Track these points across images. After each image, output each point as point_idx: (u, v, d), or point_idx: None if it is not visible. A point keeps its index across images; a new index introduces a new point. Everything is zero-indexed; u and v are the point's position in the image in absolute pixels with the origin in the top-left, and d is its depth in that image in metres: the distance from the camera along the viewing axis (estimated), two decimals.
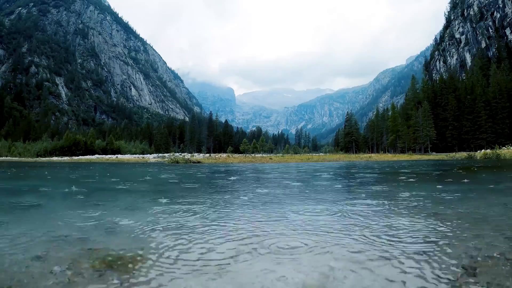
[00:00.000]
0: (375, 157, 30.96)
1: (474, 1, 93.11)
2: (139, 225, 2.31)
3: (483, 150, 25.72)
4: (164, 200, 3.70)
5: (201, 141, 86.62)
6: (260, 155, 47.31)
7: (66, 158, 39.38)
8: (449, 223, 2.28)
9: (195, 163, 20.33)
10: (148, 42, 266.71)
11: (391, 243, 1.77)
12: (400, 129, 57.41)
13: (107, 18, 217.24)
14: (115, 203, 3.50)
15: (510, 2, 79.01)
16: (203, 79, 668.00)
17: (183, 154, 43.58)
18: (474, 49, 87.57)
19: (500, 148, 27.04)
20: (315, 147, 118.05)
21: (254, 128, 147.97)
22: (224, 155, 41.38)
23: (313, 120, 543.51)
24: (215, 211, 2.94)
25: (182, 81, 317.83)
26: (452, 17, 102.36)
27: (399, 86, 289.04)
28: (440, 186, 4.99)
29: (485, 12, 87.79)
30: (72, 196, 4.44)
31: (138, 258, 1.53)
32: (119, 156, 42.93)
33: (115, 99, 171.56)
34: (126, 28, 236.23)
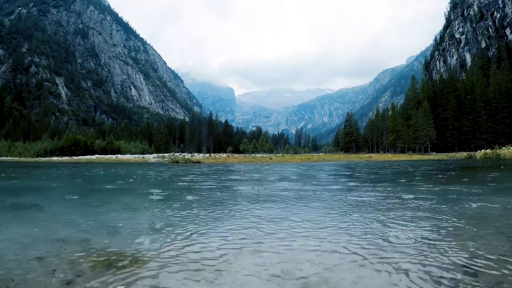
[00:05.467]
0: (375, 157, 30.96)
1: (474, 1, 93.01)
2: (139, 225, 2.31)
3: (483, 150, 25.69)
4: (164, 200, 3.70)
5: (201, 141, 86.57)
6: (260, 155, 47.30)
7: (66, 158, 39.37)
8: (449, 223, 2.28)
9: (195, 163, 20.33)
10: (148, 42, 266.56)
11: (391, 242, 1.76)
12: (400, 129, 57.38)
13: (107, 18, 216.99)
14: (115, 204, 3.49)
15: (510, 2, 78.94)
16: (203, 79, 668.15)
17: (183, 154, 43.57)
18: (474, 49, 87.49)
19: (500, 148, 27.02)
20: (315, 147, 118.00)
21: (254, 128, 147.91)
22: (224, 155, 41.36)
23: (313, 120, 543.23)
24: (216, 211, 2.94)
25: (182, 81, 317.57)
26: (452, 17, 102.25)
27: (399, 86, 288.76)
28: (440, 186, 4.99)
29: (485, 12, 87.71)
30: (72, 196, 4.44)
31: (138, 258, 1.53)
32: (119, 156, 42.91)
33: (115, 99, 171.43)
34: (126, 28, 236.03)
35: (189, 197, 4.04)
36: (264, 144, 75.88)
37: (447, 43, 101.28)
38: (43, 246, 1.75)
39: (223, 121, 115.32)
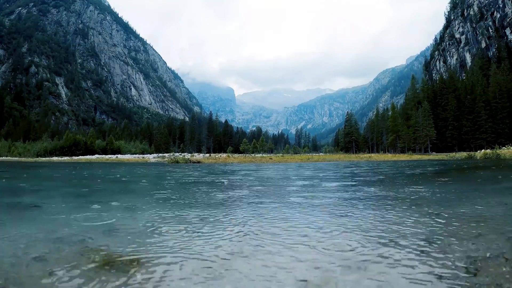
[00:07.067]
0: (375, 157, 30.97)
1: (474, 1, 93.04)
2: (139, 225, 2.31)
3: (483, 150, 25.67)
4: (164, 201, 3.70)
5: (201, 141, 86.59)
6: (260, 155, 47.29)
7: (66, 158, 39.38)
8: (449, 223, 2.27)
9: (195, 163, 20.34)
10: (148, 42, 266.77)
11: (390, 242, 1.76)
12: (400, 129, 57.42)
13: (107, 18, 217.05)
14: (115, 204, 3.49)
15: (510, 2, 78.96)
16: (203, 79, 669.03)
17: (183, 154, 43.60)
18: (474, 49, 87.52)
19: (500, 148, 27.00)
20: (315, 147, 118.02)
21: (254, 128, 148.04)
22: (224, 155, 41.36)
23: (313, 120, 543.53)
24: (216, 211, 2.94)
25: (182, 81, 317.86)
26: (452, 17, 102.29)
27: (399, 86, 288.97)
28: (439, 186, 4.99)
29: (485, 12, 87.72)
30: (72, 196, 4.45)
31: (138, 258, 1.53)
32: (119, 156, 42.94)
33: (115, 99, 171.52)
34: (126, 28, 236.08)
35: (189, 197, 4.04)
36: (264, 144, 75.96)
37: (447, 43, 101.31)
38: (42, 246, 1.75)
39: (223, 121, 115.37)
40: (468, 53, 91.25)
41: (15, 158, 47.79)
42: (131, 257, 1.53)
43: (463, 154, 29.75)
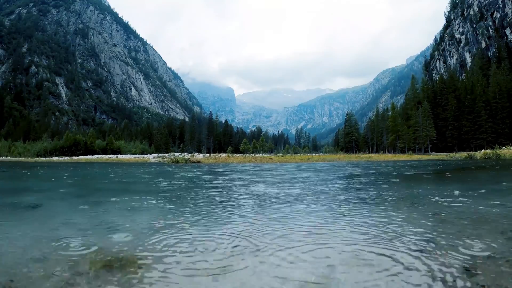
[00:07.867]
0: (375, 157, 30.95)
1: (474, 1, 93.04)
2: (139, 225, 2.30)
3: (483, 150, 25.67)
4: (164, 201, 3.70)
5: (201, 141, 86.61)
6: (260, 155, 47.29)
7: (66, 158, 39.41)
8: (449, 223, 2.27)
9: (195, 163, 20.34)
10: (148, 42, 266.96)
11: (391, 242, 1.76)
12: (400, 129, 57.43)
13: (107, 18, 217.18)
14: (115, 204, 3.49)
15: (510, 2, 78.96)
16: (203, 79, 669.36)
17: (183, 154, 43.62)
18: (474, 49, 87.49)
19: (500, 148, 27.01)
20: (315, 147, 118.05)
21: (254, 128, 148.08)
22: (224, 155, 41.38)
23: (313, 120, 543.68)
24: (217, 212, 2.94)
25: (182, 81, 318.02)
26: (452, 17, 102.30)
27: (399, 86, 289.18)
28: (439, 186, 4.99)
29: (485, 12, 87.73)
30: (72, 196, 4.45)
31: (138, 258, 1.53)
32: (119, 156, 42.97)
33: (115, 99, 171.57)
34: (126, 28, 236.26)
35: (190, 198, 4.04)
36: (264, 144, 76.00)
37: (447, 43, 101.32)
38: (42, 246, 1.75)
39: (223, 121, 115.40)
40: (468, 53, 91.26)
41: (15, 158, 47.82)
42: (131, 257, 1.53)
43: (463, 154, 29.73)
